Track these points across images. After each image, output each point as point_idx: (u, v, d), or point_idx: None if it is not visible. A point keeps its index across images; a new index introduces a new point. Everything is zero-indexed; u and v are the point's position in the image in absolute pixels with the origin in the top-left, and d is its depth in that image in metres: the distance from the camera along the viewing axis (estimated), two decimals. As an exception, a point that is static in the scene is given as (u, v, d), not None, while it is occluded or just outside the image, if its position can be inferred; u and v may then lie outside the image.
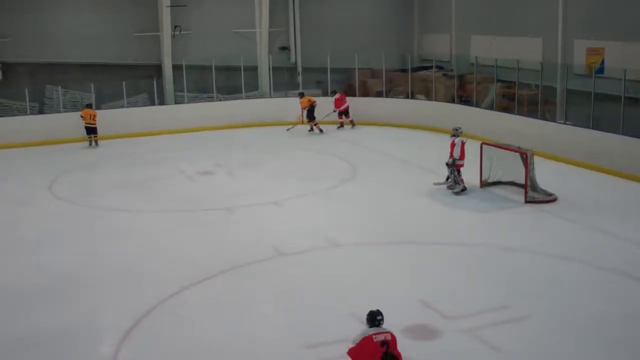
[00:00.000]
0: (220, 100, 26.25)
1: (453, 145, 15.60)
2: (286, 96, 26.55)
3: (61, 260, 12.48)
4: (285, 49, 28.38)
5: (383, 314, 7.28)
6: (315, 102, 23.62)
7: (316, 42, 27.51)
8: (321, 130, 23.27)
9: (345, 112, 24.14)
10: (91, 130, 22.35)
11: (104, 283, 11.49)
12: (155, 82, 25.40)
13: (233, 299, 10.69)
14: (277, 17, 27.94)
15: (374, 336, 7.12)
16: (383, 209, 15.17)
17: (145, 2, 26.51)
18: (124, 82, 24.68)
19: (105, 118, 23.25)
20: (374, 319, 7.25)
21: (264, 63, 27.27)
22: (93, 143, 22.28)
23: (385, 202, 15.62)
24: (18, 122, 23.48)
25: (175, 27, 26.51)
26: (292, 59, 28.37)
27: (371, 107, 25.08)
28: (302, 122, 23.67)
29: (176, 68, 26.32)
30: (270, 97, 26.60)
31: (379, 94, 25.69)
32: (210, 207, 15.52)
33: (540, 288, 10.84)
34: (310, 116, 23.56)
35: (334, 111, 24.01)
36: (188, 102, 26.05)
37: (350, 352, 7.25)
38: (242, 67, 26.04)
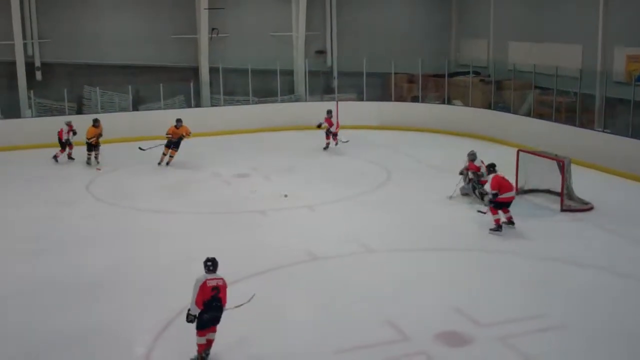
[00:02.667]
0: (256, 103, 26.38)
1: (475, 168, 15.57)
2: (322, 100, 26.60)
3: (98, 260, 12.63)
4: (321, 52, 28.43)
5: (217, 261, 8.75)
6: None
7: (352, 46, 27.52)
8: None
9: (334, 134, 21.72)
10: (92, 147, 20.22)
11: (139, 283, 11.61)
12: (192, 84, 25.63)
13: (265, 302, 10.68)
14: (314, 21, 28.00)
15: (207, 281, 8.58)
16: (417, 215, 15.10)
17: (184, 4, 26.76)
18: (161, 84, 24.93)
19: (141, 120, 23.49)
20: (206, 266, 8.71)
21: (300, 67, 27.34)
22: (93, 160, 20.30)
23: (420, 209, 15.54)
24: (57, 122, 23.83)
25: (213, 29, 26.68)
26: (329, 63, 28.41)
27: (407, 112, 25.01)
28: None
29: (213, 71, 26.52)
30: (306, 101, 26.67)
31: (415, 99, 25.57)
32: (244, 210, 15.59)
33: (575, 297, 10.71)
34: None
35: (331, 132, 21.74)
36: (224, 105, 26.22)
37: (196, 299, 8.59)
38: (278, 71, 26.14)
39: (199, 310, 8.59)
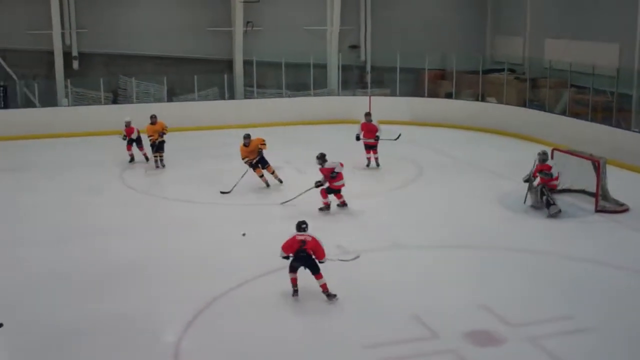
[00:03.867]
0: (289, 96, 26.45)
1: (547, 168, 14.72)
2: (354, 94, 26.59)
3: (129, 248, 12.79)
4: (355, 47, 28.37)
5: (308, 224, 10.73)
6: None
7: (386, 41, 27.40)
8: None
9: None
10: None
11: (169, 273, 11.71)
12: (225, 76, 25.78)
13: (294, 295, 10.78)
14: (348, 16, 27.93)
15: (297, 236, 10.56)
16: (448, 212, 15.03)
17: (220, -3, 26.94)
18: (195, 76, 25.13)
19: (175, 111, 23.70)
20: (299, 227, 10.66)
21: (333, 61, 27.32)
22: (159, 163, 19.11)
23: (451, 206, 15.48)
24: (93, 111, 24.18)
25: (248, 22, 26.79)
26: (362, 58, 28.35)
27: (440, 108, 24.86)
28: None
29: (247, 63, 26.63)
30: (339, 95, 26.66)
31: (448, 96, 25.42)
32: (276, 202, 15.64)
33: (607, 300, 10.58)
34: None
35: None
36: (257, 98, 26.33)
37: (283, 246, 10.60)
38: (311, 65, 26.16)
39: (285, 254, 10.57)
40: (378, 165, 18.42)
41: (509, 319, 9.83)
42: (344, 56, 27.16)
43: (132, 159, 19.42)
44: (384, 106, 23.97)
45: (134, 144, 19.36)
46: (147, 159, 19.40)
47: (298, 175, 18.11)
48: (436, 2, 28.49)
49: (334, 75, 27.21)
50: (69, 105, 24.60)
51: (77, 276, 11.60)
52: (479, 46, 27.85)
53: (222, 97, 25.96)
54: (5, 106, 24.28)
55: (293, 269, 10.66)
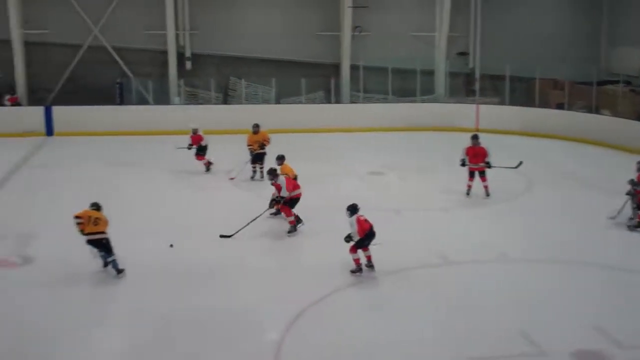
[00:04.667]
0: (395, 102, 26.36)
1: None
2: (461, 102, 26.24)
3: (233, 246, 13.01)
4: (463, 54, 28.01)
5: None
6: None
7: (496, 49, 26.84)
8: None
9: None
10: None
11: (273, 272, 11.88)
12: (332, 80, 25.96)
13: (395, 302, 10.71)
14: (458, 22, 27.62)
15: (361, 217, 11.24)
16: (557, 227, 14.46)
17: (329, 2, 27.11)
18: (302, 80, 25.43)
19: (282, 113, 24.06)
20: (355, 208, 11.41)
21: (440, 67, 27.08)
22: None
23: (560, 221, 14.89)
24: (203, 110, 24.88)
25: (356, 27, 26.90)
26: (470, 65, 27.95)
27: (551, 119, 24.14)
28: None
29: (353, 68, 26.73)
30: (445, 102, 26.37)
31: (559, 106, 24.67)
32: (378, 208, 15.53)
33: None
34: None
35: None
36: (363, 102, 26.37)
37: (359, 233, 11.29)
38: (418, 71, 26.01)
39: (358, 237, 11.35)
40: (488, 194, 16.22)
41: (621, 339, 9.43)
42: (452, 63, 26.88)
43: (208, 168, 18.62)
44: (492, 115, 23.60)
45: (200, 152, 18.47)
46: (207, 168, 18.57)
47: (399, 183, 18.04)
48: (549, 10, 27.78)
49: (440, 82, 26.96)
50: (180, 104, 25.39)
51: (186, 271, 11.85)
52: (592, 56, 26.95)
53: (328, 101, 26.17)
54: (121, 102, 25.34)
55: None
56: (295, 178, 14.45)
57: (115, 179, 17.86)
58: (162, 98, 25.82)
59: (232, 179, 17.82)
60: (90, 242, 11.40)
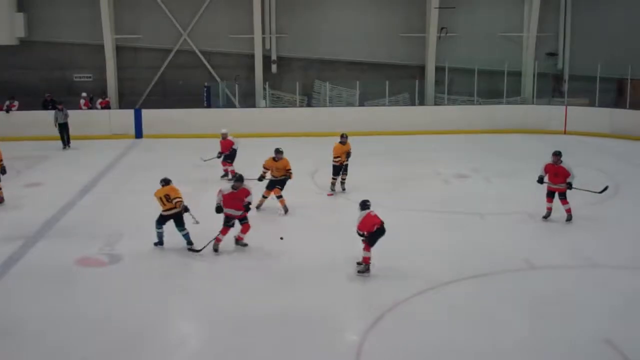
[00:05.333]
0: (480, 104, 26.01)
1: None
2: (550, 103, 25.65)
3: (316, 247, 13.08)
4: (552, 55, 27.37)
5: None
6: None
7: (587, 49, 26.17)
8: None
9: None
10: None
11: (354, 273, 11.92)
12: (417, 82, 25.83)
13: (477, 306, 10.57)
14: (547, 22, 27.05)
15: (371, 212, 11.45)
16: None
17: (415, 3, 27.01)
18: (387, 81, 25.41)
19: (366, 115, 24.06)
20: (365, 204, 11.56)
21: (528, 68, 26.58)
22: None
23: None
24: (288, 113, 25.20)
25: (442, 29, 26.67)
26: (559, 66, 27.30)
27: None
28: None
29: (439, 69, 26.53)
30: (533, 104, 25.83)
31: (652, 108, 23.84)
32: (462, 210, 15.43)
33: None
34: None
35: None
36: (447, 104, 26.13)
37: (359, 226, 11.48)
38: (505, 72, 25.60)
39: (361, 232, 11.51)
40: (570, 219, 14.43)
41: None
42: (540, 63, 26.31)
43: (225, 174, 17.96)
44: (581, 117, 23.04)
45: (228, 158, 17.96)
46: (226, 174, 17.95)
47: (485, 185, 17.79)
48: (642, 8, 26.84)
49: (528, 83, 26.47)
50: (266, 107, 25.78)
51: (273, 268, 12.09)
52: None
53: (413, 103, 26.05)
54: (208, 105, 25.93)
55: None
56: None
57: (203, 181, 18.21)
58: (248, 101, 26.29)
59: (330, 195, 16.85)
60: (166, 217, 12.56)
